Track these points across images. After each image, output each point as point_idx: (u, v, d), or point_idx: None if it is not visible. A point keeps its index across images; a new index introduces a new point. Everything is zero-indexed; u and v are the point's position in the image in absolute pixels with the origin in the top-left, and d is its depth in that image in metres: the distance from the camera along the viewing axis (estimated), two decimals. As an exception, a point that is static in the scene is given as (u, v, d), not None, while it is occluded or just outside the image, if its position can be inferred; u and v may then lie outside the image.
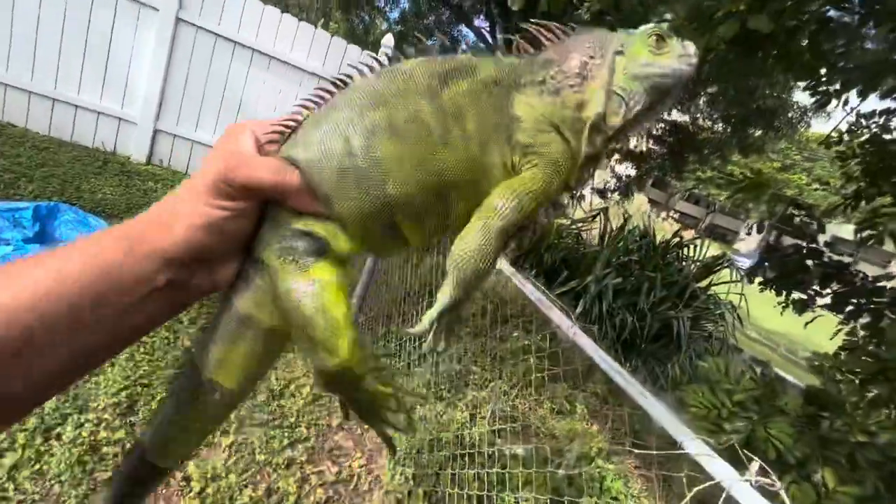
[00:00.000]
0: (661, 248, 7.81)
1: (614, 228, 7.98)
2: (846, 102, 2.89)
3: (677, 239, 7.85)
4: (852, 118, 3.35)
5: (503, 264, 1.63)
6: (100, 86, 4.00)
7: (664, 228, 8.57)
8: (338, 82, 0.47)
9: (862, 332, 2.76)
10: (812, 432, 1.94)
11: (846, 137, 3.43)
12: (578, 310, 6.81)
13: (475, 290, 0.46)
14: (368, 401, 0.48)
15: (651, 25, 0.48)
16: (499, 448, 2.47)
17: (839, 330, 2.79)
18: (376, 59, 0.47)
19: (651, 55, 0.47)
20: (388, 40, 4.61)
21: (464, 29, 12.98)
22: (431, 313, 0.45)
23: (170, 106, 4.22)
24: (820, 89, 2.89)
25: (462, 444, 2.30)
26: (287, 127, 0.46)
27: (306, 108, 0.47)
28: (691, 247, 8.08)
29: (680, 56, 0.48)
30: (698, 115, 9.77)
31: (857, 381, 2.06)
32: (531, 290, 1.41)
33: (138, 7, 3.85)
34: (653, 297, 7.06)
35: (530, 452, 2.63)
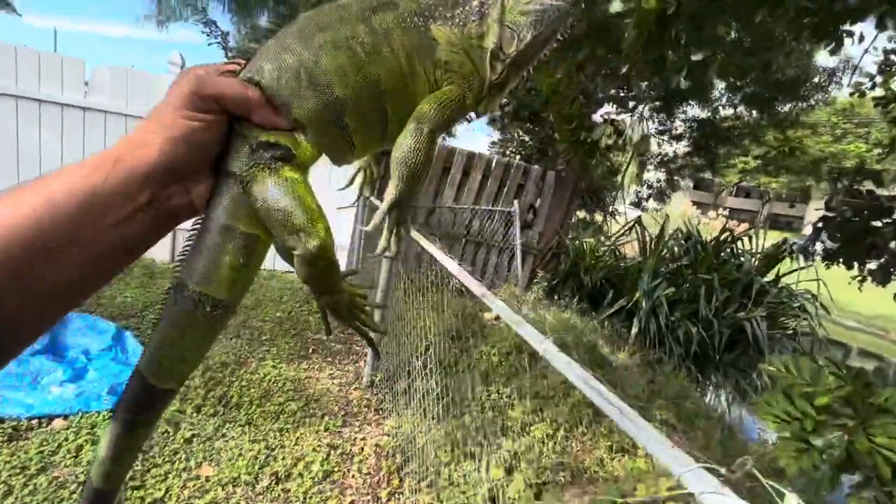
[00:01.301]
0: (711, 247, 7.15)
1: (653, 237, 7.42)
2: (861, 39, 2.55)
3: (727, 234, 7.18)
4: (879, 56, 2.97)
5: (477, 288, 1.42)
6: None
7: (714, 228, 7.89)
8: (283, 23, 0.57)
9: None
10: (935, 431, 1.48)
11: (879, 79, 3.03)
12: (634, 329, 6.23)
13: (417, 185, 0.54)
14: (346, 303, 0.56)
15: None
16: (546, 506, 2.11)
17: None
18: None
19: None
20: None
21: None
22: (382, 207, 0.56)
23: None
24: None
25: (496, 509, 1.96)
26: (237, 65, 0.51)
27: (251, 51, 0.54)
28: (746, 239, 7.35)
29: None
30: (719, 105, 9.30)
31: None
32: (500, 307, 1.19)
33: (145, 123, 4.20)
34: (715, 300, 6.37)
35: (588, 505, 2.23)
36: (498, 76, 0.57)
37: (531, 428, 2.69)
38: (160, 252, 4.48)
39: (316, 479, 2.00)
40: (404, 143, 0.52)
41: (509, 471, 2.30)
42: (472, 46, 0.56)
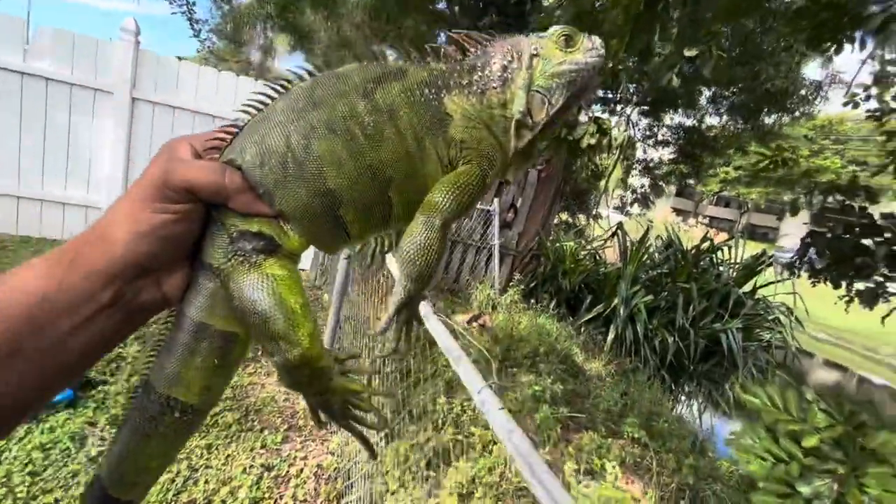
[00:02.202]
0: (691, 256, 7.07)
1: (634, 242, 7.30)
2: (863, 45, 2.40)
3: (707, 242, 7.11)
4: (876, 67, 2.83)
5: (425, 308, 1.19)
6: (63, 177, 3.94)
7: (693, 237, 7.85)
8: (277, 88, 0.49)
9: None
10: (934, 481, 1.32)
11: (874, 91, 2.89)
12: (610, 336, 6.11)
13: (427, 283, 0.49)
14: (338, 401, 0.50)
15: (558, 27, 0.52)
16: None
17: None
18: (313, 67, 0.50)
19: (563, 53, 0.51)
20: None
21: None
22: (390, 309, 0.50)
23: (136, 186, 4.11)
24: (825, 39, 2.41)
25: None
26: (227, 135, 0.47)
27: (247, 113, 0.49)
28: (726, 249, 7.30)
29: (588, 50, 0.52)
30: (705, 113, 9.25)
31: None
32: (442, 338, 0.96)
33: (93, 93, 3.83)
34: (692, 310, 6.28)
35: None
36: (523, 144, 0.52)
37: (494, 447, 2.47)
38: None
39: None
40: (413, 239, 0.46)
41: (465, 497, 2.08)
42: (494, 117, 0.51)
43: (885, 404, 11.06)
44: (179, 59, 4.27)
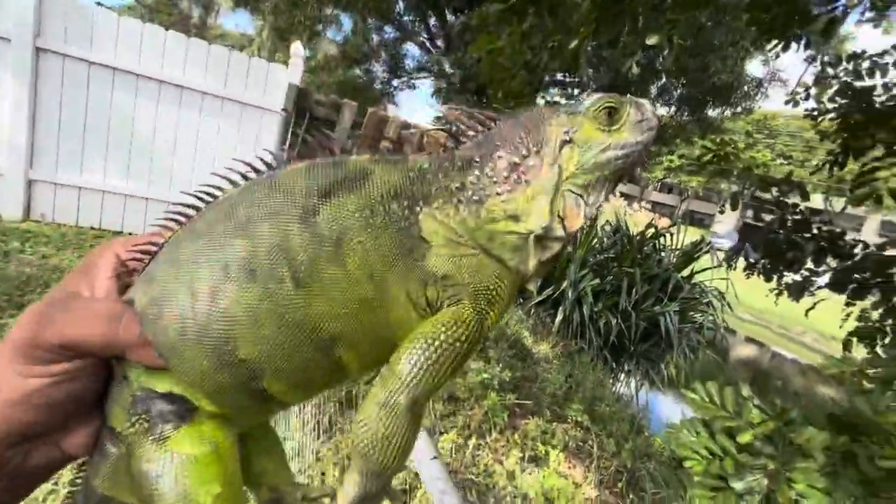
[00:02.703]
0: (636, 242, 7.36)
1: (584, 226, 7.48)
2: (808, 45, 2.46)
3: (652, 229, 7.42)
4: (817, 68, 2.94)
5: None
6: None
7: (637, 222, 8.17)
8: (204, 196, 0.38)
9: (876, 314, 2.27)
10: (850, 472, 1.40)
11: (814, 91, 3.02)
12: (558, 318, 6.29)
13: (392, 476, 0.37)
14: None
15: (597, 98, 0.40)
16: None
17: (849, 315, 2.29)
18: (261, 161, 0.38)
19: (605, 134, 0.39)
20: (298, 49, 4.11)
21: (408, 46, 12.72)
22: None
23: (43, 150, 3.60)
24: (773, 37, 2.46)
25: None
26: (147, 251, 0.38)
27: (176, 221, 0.39)
28: (668, 236, 7.67)
29: (637, 123, 0.40)
30: (655, 103, 9.52)
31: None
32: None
33: (-14, 39, 3.27)
34: (635, 294, 6.57)
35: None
36: (550, 255, 0.40)
37: (441, 437, 2.44)
38: (9, 209, 3.61)
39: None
40: (368, 428, 0.34)
41: (408, 491, 2.03)
42: (497, 236, 0.38)
43: (792, 375, 12.43)
44: (100, 5, 3.73)
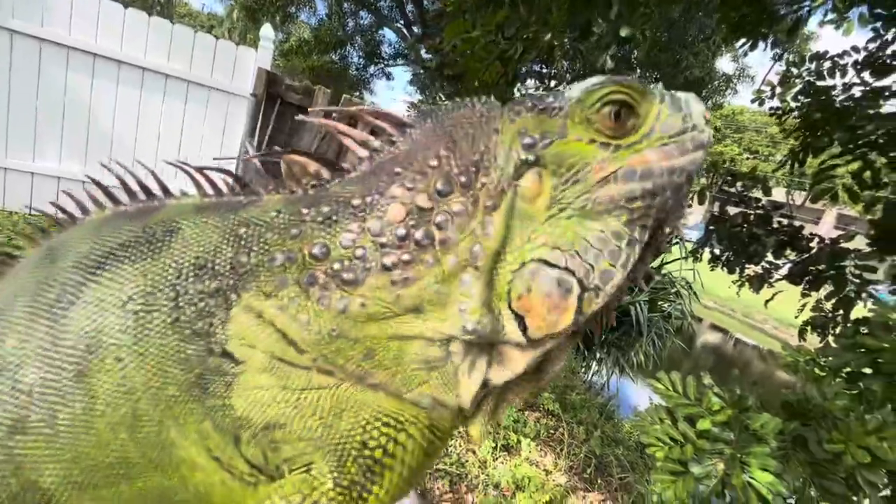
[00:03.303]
0: (608, 233, 7.52)
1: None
2: (775, 44, 2.53)
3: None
4: (783, 67, 3.03)
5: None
6: None
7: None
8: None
9: (829, 305, 2.39)
10: (799, 455, 1.48)
11: (779, 89, 3.12)
12: (532, 309, 6.39)
13: None
14: None
15: (595, 83, 0.21)
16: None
17: (804, 305, 2.41)
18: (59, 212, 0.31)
19: (609, 150, 0.21)
20: (268, 32, 3.97)
21: (385, 32, 12.48)
22: None
23: (-8, 133, 3.38)
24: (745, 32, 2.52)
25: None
26: None
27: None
28: (639, 227, 7.88)
29: (675, 133, 0.21)
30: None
31: (842, 376, 1.62)
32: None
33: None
34: (607, 284, 6.75)
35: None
36: (513, 375, 0.26)
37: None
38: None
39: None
40: None
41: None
42: (385, 345, 0.23)
43: (752, 360, 13.08)
44: (48, -23, 3.49)
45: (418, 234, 0.22)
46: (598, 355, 7.05)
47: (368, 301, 0.21)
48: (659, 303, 7.38)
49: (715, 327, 15.38)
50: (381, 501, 0.23)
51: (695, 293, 7.66)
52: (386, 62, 13.04)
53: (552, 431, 2.89)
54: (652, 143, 0.23)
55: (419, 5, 9.48)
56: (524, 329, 0.21)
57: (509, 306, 0.21)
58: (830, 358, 1.63)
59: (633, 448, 3.23)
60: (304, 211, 0.23)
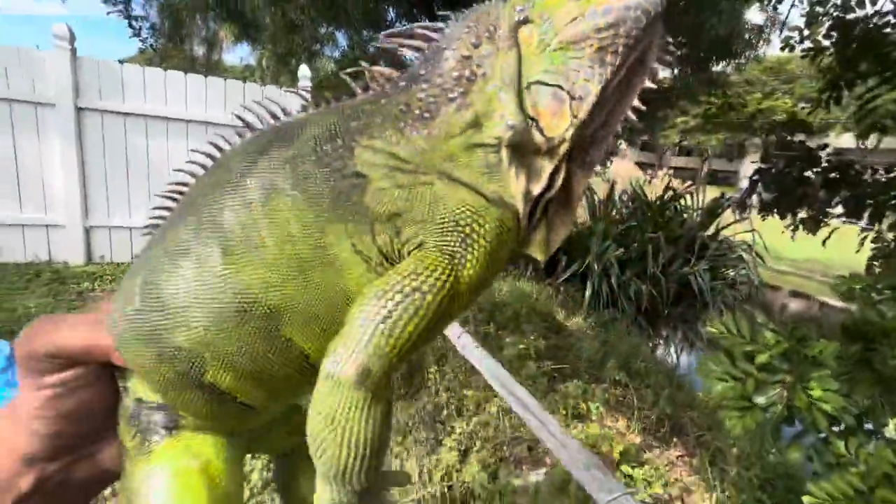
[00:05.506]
0: (656, 206, 7.36)
1: (601, 200, 7.56)
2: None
3: (670, 192, 7.40)
4: (805, 8, 2.98)
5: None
6: (16, 199, 3.79)
7: (657, 187, 8.16)
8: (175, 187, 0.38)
9: (891, 235, 2.33)
10: (865, 376, 1.52)
11: (806, 32, 3.06)
12: (587, 292, 6.36)
13: (367, 479, 0.28)
14: None
15: None
16: (503, 484, 2.06)
17: (864, 239, 2.36)
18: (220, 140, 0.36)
19: (574, 1, 0.30)
20: (305, 72, 4.38)
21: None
22: None
23: (95, 200, 3.99)
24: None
25: (451, 500, 1.89)
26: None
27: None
28: (688, 196, 7.63)
29: None
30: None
31: (902, 297, 1.63)
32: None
33: (34, 107, 3.66)
34: (661, 258, 6.60)
35: (548, 479, 2.21)
36: (541, 178, 0.33)
37: (487, 405, 2.63)
38: (73, 256, 4.01)
39: None
40: (314, 407, 0.28)
41: (464, 452, 2.24)
42: (455, 152, 0.32)
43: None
44: (121, 62, 4.10)
45: (467, 74, 0.33)
46: (663, 332, 6.87)
47: (444, 126, 0.32)
48: (721, 270, 7.10)
49: (796, 294, 14.22)
50: (474, 268, 0.31)
51: (758, 255, 7.29)
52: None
53: (621, 399, 2.97)
54: None
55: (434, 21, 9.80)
56: (540, 130, 0.32)
57: (528, 115, 0.32)
58: (888, 282, 1.63)
59: (710, 412, 3.22)
60: (388, 89, 0.35)
